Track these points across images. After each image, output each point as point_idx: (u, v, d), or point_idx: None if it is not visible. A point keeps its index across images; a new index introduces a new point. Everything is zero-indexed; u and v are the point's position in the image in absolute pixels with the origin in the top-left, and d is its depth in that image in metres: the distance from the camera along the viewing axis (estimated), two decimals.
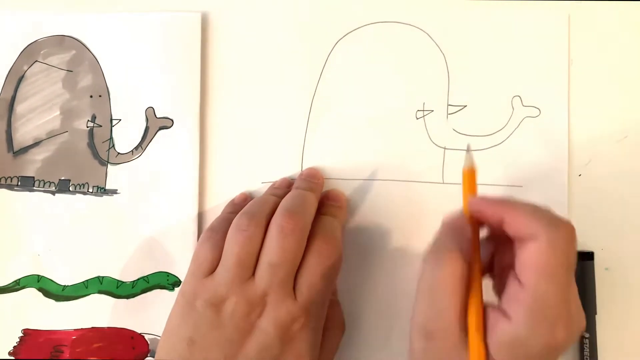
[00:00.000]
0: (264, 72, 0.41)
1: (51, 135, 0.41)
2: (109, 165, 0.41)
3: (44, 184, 0.41)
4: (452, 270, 0.30)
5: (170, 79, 0.41)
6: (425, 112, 0.41)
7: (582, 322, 0.30)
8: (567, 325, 0.28)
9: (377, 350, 0.40)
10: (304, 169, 0.41)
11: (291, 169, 0.41)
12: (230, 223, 0.35)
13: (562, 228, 0.29)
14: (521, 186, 0.40)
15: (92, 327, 0.40)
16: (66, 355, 0.40)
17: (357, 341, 0.40)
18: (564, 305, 0.28)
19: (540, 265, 0.28)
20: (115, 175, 0.41)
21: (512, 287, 0.29)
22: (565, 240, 0.28)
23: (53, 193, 0.41)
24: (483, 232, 0.33)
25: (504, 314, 0.29)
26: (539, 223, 0.28)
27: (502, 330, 0.29)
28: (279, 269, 0.33)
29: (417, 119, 0.41)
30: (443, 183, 0.40)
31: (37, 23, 0.41)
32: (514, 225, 0.29)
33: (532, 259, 0.28)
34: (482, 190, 0.40)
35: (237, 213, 0.35)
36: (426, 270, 0.31)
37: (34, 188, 0.41)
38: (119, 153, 0.41)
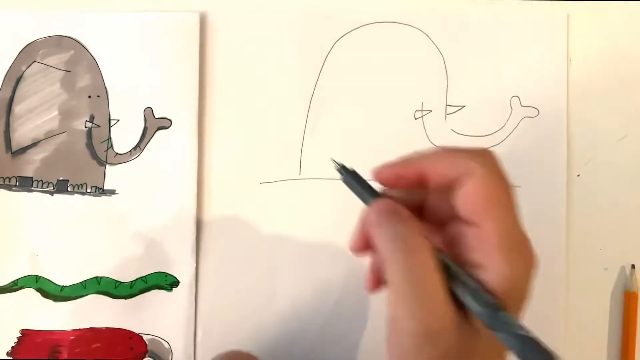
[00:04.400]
0: (262, 72, 0.41)
1: (49, 136, 0.41)
2: (107, 165, 0.41)
3: (43, 184, 0.41)
4: (425, 254, 0.26)
5: (168, 79, 0.41)
6: (424, 113, 0.41)
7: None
8: (530, 243, 0.27)
9: None
10: (302, 168, 0.41)
11: (289, 169, 0.41)
12: None
13: (487, 155, 0.27)
14: (520, 186, 0.40)
15: (91, 328, 0.40)
16: (64, 355, 0.40)
17: None
18: (519, 223, 0.27)
19: (488, 197, 0.26)
20: (113, 176, 0.40)
21: (465, 236, 0.27)
22: (497, 163, 0.27)
23: (51, 193, 0.41)
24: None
25: (475, 267, 0.27)
26: (464, 160, 0.27)
27: (485, 284, 0.26)
28: None
29: (416, 119, 0.41)
30: None
31: (35, 23, 0.41)
32: (439, 173, 0.27)
33: (476, 194, 0.26)
34: None
35: None
36: (396, 270, 0.27)
37: (33, 188, 0.41)
38: (117, 153, 0.41)
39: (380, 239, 0.27)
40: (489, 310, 0.25)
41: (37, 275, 0.40)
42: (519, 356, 0.24)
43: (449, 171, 0.27)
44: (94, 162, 0.41)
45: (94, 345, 0.40)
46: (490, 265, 0.26)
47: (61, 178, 0.41)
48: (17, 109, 0.41)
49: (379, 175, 0.29)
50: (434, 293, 0.26)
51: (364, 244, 0.29)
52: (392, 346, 0.28)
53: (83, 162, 0.41)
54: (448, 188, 0.27)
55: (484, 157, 0.27)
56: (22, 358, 0.40)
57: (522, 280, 0.26)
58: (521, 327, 0.25)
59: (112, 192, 0.40)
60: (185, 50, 0.40)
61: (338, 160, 0.30)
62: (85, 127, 0.41)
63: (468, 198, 0.26)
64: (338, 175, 0.30)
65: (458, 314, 0.26)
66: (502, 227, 0.26)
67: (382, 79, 0.41)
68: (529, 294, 0.28)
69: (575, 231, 0.40)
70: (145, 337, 0.40)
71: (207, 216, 0.41)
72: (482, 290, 0.26)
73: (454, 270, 0.27)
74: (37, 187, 0.41)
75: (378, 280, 0.30)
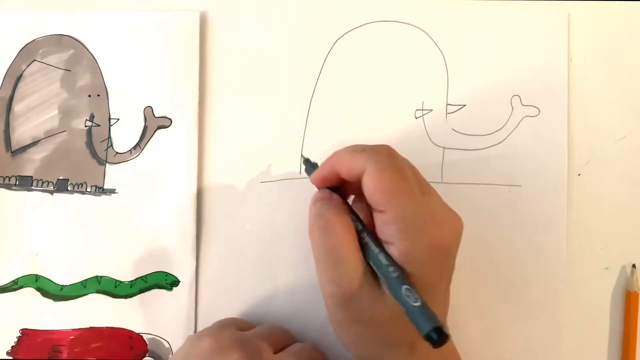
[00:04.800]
0: (262, 71, 0.41)
1: (49, 135, 0.41)
2: (107, 164, 0.41)
3: (42, 183, 0.41)
4: (340, 231, 0.32)
5: (168, 78, 0.40)
6: (425, 112, 0.41)
7: (447, 217, 0.32)
8: (437, 224, 0.30)
9: None
10: (302, 168, 0.40)
11: (290, 169, 0.41)
12: None
13: (379, 150, 0.32)
14: (520, 186, 0.40)
15: (91, 327, 0.40)
16: (64, 355, 0.40)
17: None
18: (422, 206, 0.31)
19: (381, 189, 0.31)
20: (113, 175, 0.40)
21: (378, 220, 0.31)
22: (387, 158, 0.32)
23: (51, 192, 0.41)
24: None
25: (387, 244, 0.31)
26: (360, 158, 0.32)
27: (393, 256, 0.31)
28: None
29: (416, 118, 0.41)
30: (442, 182, 0.40)
31: (35, 22, 0.41)
32: (346, 172, 0.32)
33: (372, 187, 0.31)
34: (481, 191, 0.40)
35: None
36: (315, 242, 0.32)
37: (32, 187, 0.41)
38: (117, 152, 0.41)
39: (309, 218, 0.33)
40: (393, 281, 0.29)
41: (37, 275, 0.40)
42: (414, 324, 0.27)
43: (351, 170, 0.32)
44: (94, 161, 0.41)
45: (94, 345, 0.40)
46: (395, 244, 0.30)
47: (61, 177, 0.41)
48: (17, 108, 0.41)
49: (313, 180, 0.35)
50: (347, 263, 0.31)
51: None
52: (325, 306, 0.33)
53: (83, 161, 0.41)
54: (359, 182, 0.32)
55: (376, 154, 0.32)
56: (22, 358, 0.40)
57: (423, 255, 0.30)
58: (417, 299, 0.28)
59: (112, 191, 0.40)
60: (186, 49, 0.40)
61: (305, 155, 0.38)
62: (85, 126, 0.41)
63: (367, 191, 0.31)
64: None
65: (373, 284, 0.31)
66: (399, 211, 0.30)
67: (382, 78, 0.41)
68: (441, 267, 0.31)
69: (576, 231, 0.40)
70: (145, 337, 0.40)
71: (207, 215, 0.41)
72: (390, 265, 0.30)
73: (370, 246, 0.31)
74: (37, 186, 0.41)
75: None
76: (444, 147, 0.40)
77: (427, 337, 0.27)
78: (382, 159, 0.32)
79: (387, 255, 0.31)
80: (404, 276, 0.29)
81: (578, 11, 0.41)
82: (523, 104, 0.40)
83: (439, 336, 0.26)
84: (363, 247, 0.32)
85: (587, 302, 0.41)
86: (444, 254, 0.31)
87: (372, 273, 0.32)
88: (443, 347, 0.31)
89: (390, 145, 0.40)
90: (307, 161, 0.37)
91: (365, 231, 0.32)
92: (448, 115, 0.41)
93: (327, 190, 0.34)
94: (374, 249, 0.31)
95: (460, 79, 0.41)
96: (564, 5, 0.41)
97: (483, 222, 0.40)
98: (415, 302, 0.28)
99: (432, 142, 0.40)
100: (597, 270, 0.41)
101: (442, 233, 0.31)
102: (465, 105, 0.41)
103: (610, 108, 0.41)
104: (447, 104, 0.41)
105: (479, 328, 0.39)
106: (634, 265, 0.40)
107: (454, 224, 0.32)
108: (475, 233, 0.40)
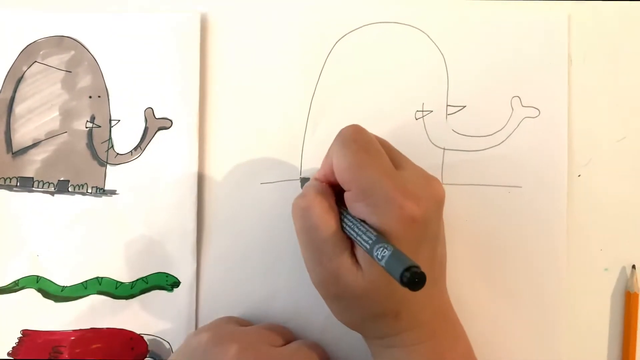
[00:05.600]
0: (263, 72, 0.41)
1: (50, 136, 0.41)
2: (108, 165, 0.41)
3: (43, 184, 0.41)
4: (318, 210, 0.32)
5: (169, 79, 0.41)
6: (425, 113, 0.41)
7: (424, 188, 0.32)
8: (411, 196, 0.30)
9: None
10: (302, 169, 0.41)
11: (290, 170, 0.41)
12: None
13: (340, 133, 0.33)
14: (521, 186, 0.40)
15: (91, 328, 0.40)
16: (65, 355, 0.40)
17: None
18: (393, 179, 0.31)
19: (341, 169, 0.32)
20: (114, 176, 0.40)
21: (347, 201, 0.32)
22: (345, 138, 0.32)
23: (52, 194, 0.41)
24: None
25: (364, 218, 0.32)
26: (331, 145, 0.33)
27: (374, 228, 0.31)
28: None
29: (417, 119, 0.41)
30: (442, 183, 0.40)
31: (36, 23, 0.41)
32: (328, 164, 0.34)
33: (335, 169, 0.32)
34: (481, 192, 0.40)
35: None
36: (299, 218, 0.33)
37: (33, 189, 0.41)
38: (118, 154, 0.41)
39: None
40: (370, 245, 0.29)
41: (37, 276, 0.40)
42: (391, 275, 0.27)
43: (327, 158, 0.34)
44: (95, 162, 0.41)
45: (94, 346, 0.40)
46: (367, 219, 0.31)
47: (62, 178, 0.41)
48: (18, 109, 0.41)
49: (319, 179, 0.35)
50: (326, 241, 0.32)
51: None
52: None
53: (84, 163, 0.41)
54: None
55: (341, 135, 0.33)
56: (22, 358, 0.40)
57: (396, 228, 0.30)
58: (388, 249, 0.28)
59: (113, 192, 0.40)
60: (186, 51, 0.40)
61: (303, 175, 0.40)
62: (86, 128, 0.41)
63: (335, 173, 0.32)
64: None
65: (352, 261, 0.32)
66: (364, 186, 0.31)
67: (382, 79, 0.41)
68: (418, 239, 0.31)
69: (576, 231, 0.40)
70: (146, 338, 0.40)
71: (207, 216, 0.41)
72: (367, 231, 0.30)
73: (349, 221, 0.32)
74: (37, 187, 0.41)
75: None
76: (444, 148, 0.40)
77: (401, 281, 0.26)
78: (346, 138, 0.32)
79: (365, 225, 0.31)
80: (380, 239, 0.29)
81: (578, 12, 0.41)
82: (523, 105, 0.40)
83: (411, 277, 0.26)
84: (345, 227, 0.32)
85: (587, 303, 0.41)
86: (421, 226, 0.31)
87: (352, 251, 0.32)
88: (431, 316, 0.33)
89: None
90: (304, 180, 0.39)
91: (347, 211, 0.33)
92: (448, 116, 0.41)
93: (315, 180, 0.35)
94: (354, 221, 0.32)
95: (461, 80, 0.41)
96: (564, 5, 0.41)
97: (483, 223, 0.40)
98: (388, 252, 0.28)
99: (432, 144, 0.41)
100: (596, 271, 0.41)
101: (418, 205, 0.31)
102: (465, 106, 0.41)
103: (610, 109, 0.41)
104: (447, 105, 0.41)
105: (479, 328, 0.39)
106: (633, 266, 0.40)
107: (432, 194, 0.32)
108: (475, 234, 0.40)
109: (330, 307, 0.35)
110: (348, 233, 0.32)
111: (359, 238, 0.31)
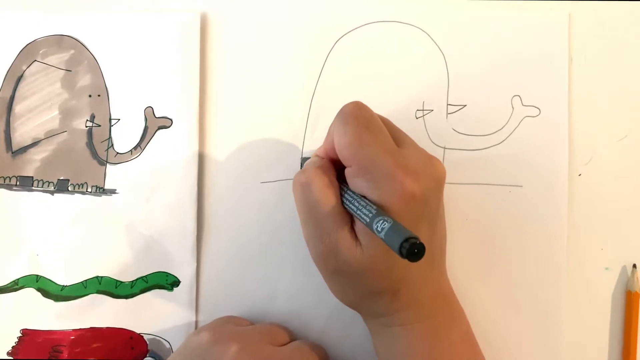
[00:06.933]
0: (263, 71, 0.41)
1: (50, 135, 0.41)
2: (107, 165, 0.41)
3: (43, 183, 0.41)
4: (317, 186, 0.32)
5: (169, 78, 0.40)
6: (425, 112, 0.41)
7: (425, 166, 0.32)
8: (411, 173, 0.31)
9: None
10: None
11: (290, 169, 0.41)
12: None
13: (340, 111, 0.33)
14: (521, 186, 0.40)
15: (91, 327, 0.40)
16: (65, 355, 0.40)
17: None
18: (393, 156, 0.31)
19: (341, 147, 0.32)
20: (114, 175, 0.40)
21: (348, 178, 0.32)
22: (344, 116, 0.32)
23: (52, 193, 0.41)
24: None
25: (365, 194, 0.32)
26: (334, 121, 0.33)
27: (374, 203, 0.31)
28: None
29: (417, 118, 0.41)
30: None
31: (35, 22, 0.41)
32: (329, 142, 0.34)
33: (337, 144, 0.32)
34: (482, 191, 0.40)
35: None
36: (299, 193, 0.33)
37: (33, 188, 0.41)
38: (117, 153, 0.41)
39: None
40: (370, 219, 0.29)
41: (37, 275, 0.40)
42: (390, 247, 0.27)
43: (329, 137, 0.33)
44: (95, 161, 0.41)
45: (94, 345, 0.40)
46: (367, 195, 0.31)
47: (62, 177, 0.41)
48: (18, 108, 0.41)
49: (320, 155, 0.35)
50: (325, 217, 0.32)
51: None
52: None
53: (83, 162, 0.41)
54: None
55: (339, 114, 0.33)
56: (22, 358, 0.40)
57: (396, 204, 0.30)
58: (387, 222, 0.28)
59: (113, 191, 0.40)
60: (186, 50, 0.40)
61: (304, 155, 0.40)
62: (86, 127, 0.41)
63: (337, 151, 0.32)
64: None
65: (352, 237, 0.32)
66: (364, 162, 0.31)
67: (383, 79, 0.41)
68: (419, 215, 0.31)
69: (576, 231, 0.40)
70: (146, 337, 0.40)
71: (207, 216, 0.41)
72: (367, 205, 0.30)
73: (349, 196, 0.32)
74: (37, 186, 0.41)
75: None
76: (444, 148, 0.40)
77: (400, 253, 0.26)
78: (347, 114, 0.32)
79: (365, 199, 0.31)
80: (380, 212, 0.29)
81: (579, 11, 0.41)
82: (524, 104, 0.40)
83: (410, 247, 0.26)
84: (345, 202, 0.32)
85: (587, 302, 0.41)
86: (421, 202, 0.31)
87: (351, 227, 0.32)
88: (430, 296, 0.33)
89: None
90: (304, 160, 0.38)
91: (348, 187, 0.33)
92: (449, 115, 0.41)
93: (316, 156, 0.35)
94: (354, 196, 0.32)
95: (461, 79, 0.41)
96: (565, 5, 0.41)
97: (483, 222, 0.40)
98: (388, 224, 0.28)
99: (433, 143, 0.40)
100: (597, 270, 0.41)
101: (418, 182, 0.31)
102: (465, 105, 0.41)
103: (610, 108, 0.41)
104: (447, 104, 0.41)
105: (479, 327, 0.39)
106: (634, 266, 0.40)
107: (432, 172, 0.32)
108: (475, 233, 0.40)
109: (328, 284, 0.35)
110: (348, 208, 0.32)
111: (358, 212, 0.31)
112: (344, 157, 0.32)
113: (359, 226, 0.32)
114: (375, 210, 0.30)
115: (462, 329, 0.36)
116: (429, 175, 0.32)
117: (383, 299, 0.34)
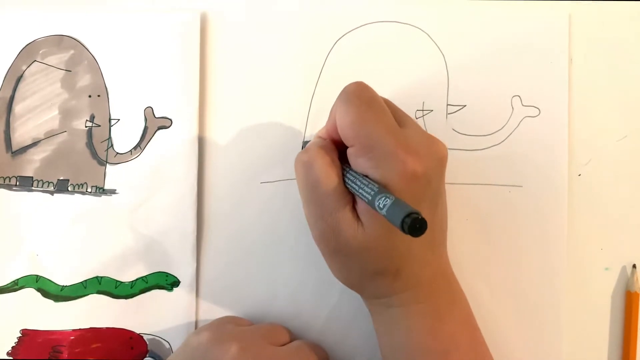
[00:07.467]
0: (263, 71, 0.41)
1: (50, 135, 0.41)
2: (107, 165, 0.41)
3: (43, 184, 0.41)
4: (318, 166, 0.32)
5: (169, 78, 0.40)
6: (425, 112, 0.41)
7: (427, 145, 0.32)
8: (413, 152, 0.31)
9: None
10: None
11: (290, 169, 0.41)
12: None
13: (342, 91, 0.33)
14: (521, 186, 0.40)
15: (91, 328, 0.40)
16: (65, 355, 0.40)
17: None
18: (395, 135, 0.31)
19: (343, 126, 0.32)
20: (113, 175, 0.40)
21: (350, 158, 0.32)
22: (346, 96, 0.32)
23: (52, 193, 0.41)
24: None
25: (368, 173, 0.32)
26: (336, 101, 0.33)
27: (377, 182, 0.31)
28: None
29: (417, 118, 0.41)
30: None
31: (35, 22, 0.41)
32: (331, 122, 0.34)
33: (339, 123, 0.32)
34: (482, 191, 0.40)
35: None
36: (300, 172, 0.33)
37: (33, 188, 0.41)
38: (117, 153, 0.41)
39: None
40: (372, 197, 0.29)
41: (37, 275, 0.40)
42: (392, 223, 0.27)
43: (331, 116, 0.33)
44: (95, 161, 0.41)
45: (94, 345, 0.40)
46: (369, 174, 0.31)
47: (61, 178, 0.41)
48: (18, 108, 0.41)
49: (322, 137, 0.35)
50: (327, 196, 0.32)
51: None
52: None
53: (83, 162, 0.41)
54: None
55: (341, 94, 0.33)
56: (22, 358, 0.40)
57: (399, 182, 0.30)
58: (389, 198, 0.28)
59: (113, 191, 0.40)
60: (186, 50, 0.40)
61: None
62: (86, 127, 0.41)
63: (339, 130, 0.32)
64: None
65: (353, 216, 0.32)
66: (366, 141, 0.31)
67: (383, 79, 0.41)
68: (421, 194, 0.31)
69: (576, 231, 0.40)
70: (145, 337, 0.40)
71: (207, 216, 0.41)
72: (369, 184, 0.30)
73: (351, 175, 0.32)
74: (37, 186, 0.41)
75: None
76: None
77: (402, 228, 0.26)
78: (349, 94, 0.32)
79: (367, 178, 0.31)
80: (382, 190, 0.29)
81: (579, 11, 0.41)
82: (523, 104, 0.40)
83: (412, 223, 0.26)
84: (347, 181, 0.32)
85: (587, 303, 0.41)
86: (423, 182, 0.31)
87: (353, 206, 0.32)
88: (431, 277, 0.33)
89: None
90: (306, 143, 0.38)
91: (350, 168, 0.33)
92: (448, 115, 0.41)
93: (318, 137, 0.35)
94: (356, 175, 0.32)
95: (461, 79, 0.41)
96: (565, 5, 0.41)
97: (483, 222, 0.40)
98: (389, 201, 0.28)
99: None
100: (597, 270, 0.41)
101: (420, 161, 0.31)
102: (465, 105, 0.41)
103: (610, 108, 0.41)
104: (447, 105, 0.41)
105: (479, 327, 0.39)
106: (634, 266, 0.40)
107: (434, 152, 0.32)
108: (475, 233, 0.40)
109: (329, 264, 0.35)
110: (350, 187, 0.32)
111: (360, 191, 0.31)
112: (346, 136, 0.32)
113: (360, 206, 0.32)
114: (377, 188, 0.30)
115: (462, 310, 0.36)
116: (431, 155, 0.32)
117: (384, 280, 0.34)
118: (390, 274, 0.33)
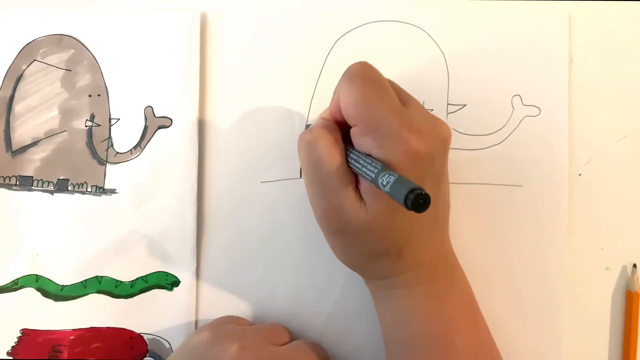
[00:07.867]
0: (263, 71, 0.41)
1: (50, 135, 0.41)
2: (107, 164, 0.40)
3: (43, 183, 0.41)
4: (322, 146, 0.32)
5: (169, 78, 0.40)
6: None
7: (430, 125, 0.32)
8: (416, 132, 0.31)
9: None
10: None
11: (290, 169, 0.41)
12: None
13: (347, 70, 0.33)
14: (521, 186, 0.40)
15: (91, 327, 0.40)
16: (65, 355, 0.40)
17: None
18: (399, 115, 0.31)
19: (346, 105, 0.32)
20: (113, 175, 0.40)
21: (353, 138, 0.32)
22: (351, 75, 0.32)
23: (52, 192, 0.41)
24: None
25: (370, 152, 0.32)
26: (339, 83, 0.33)
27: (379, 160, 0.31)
28: None
29: None
30: None
31: (35, 22, 0.41)
32: (335, 103, 0.34)
33: (343, 102, 0.32)
34: (482, 191, 0.40)
35: None
36: (303, 151, 0.33)
37: (33, 188, 0.41)
38: (117, 152, 0.41)
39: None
40: (376, 175, 0.29)
41: (37, 275, 0.40)
42: (395, 200, 0.27)
43: (335, 96, 0.34)
44: (95, 161, 0.41)
45: (94, 345, 0.40)
46: (373, 154, 0.31)
47: (61, 177, 0.41)
48: (18, 108, 0.41)
49: (325, 117, 0.35)
50: (329, 175, 0.32)
51: None
52: None
53: (83, 161, 0.41)
54: None
55: (345, 73, 0.33)
56: (22, 358, 0.40)
57: (402, 161, 0.30)
58: (396, 175, 0.28)
59: (113, 191, 0.40)
60: (186, 49, 0.40)
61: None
62: (86, 126, 0.41)
63: (342, 109, 0.32)
64: None
65: (356, 195, 0.32)
66: (370, 121, 0.31)
67: None
68: (424, 173, 0.31)
69: (577, 230, 0.40)
70: (145, 337, 0.40)
71: (207, 215, 0.41)
72: (372, 162, 0.30)
73: (354, 154, 0.32)
74: (37, 186, 0.41)
75: None
76: None
77: (406, 204, 0.26)
78: (353, 74, 0.32)
79: (371, 157, 0.31)
80: (385, 167, 0.29)
81: (579, 11, 0.41)
82: (524, 103, 0.40)
83: (415, 198, 0.26)
84: (350, 161, 0.32)
85: (588, 302, 0.41)
86: (427, 161, 0.31)
87: (356, 186, 0.32)
88: (433, 258, 0.33)
89: None
90: (309, 126, 0.38)
91: (353, 148, 0.33)
92: (449, 115, 0.41)
93: (321, 118, 0.35)
94: (359, 154, 0.32)
95: (461, 78, 0.41)
96: (565, 5, 0.41)
97: (483, 222, 0.40)
98: (393, 178, 0.28)
99: None
100: (597, 270, 0.41)
101: (423, 140, 0.31)
102: (465, 105, 0.41)
103: (610, 108, 0.41)
104: (447, 104, 0.41)
105: None
106: (634, 265, 0.40)
107: (437, 131, 0.32)
108: (476, 232, 0.40)
109: (331, 245, 0.35)
110: (353, 167, 0.32)
111: (364, 169, 0.31)
112: (349, 116, 0.32)
113: (363, 186, 0.32)
114: (380, 166, 0.30)
115: (464, 292, 0.36)
116: (435, 135, 0.32)
117: (385, 260, 0.34)
118: (392, 255, 0.33)
